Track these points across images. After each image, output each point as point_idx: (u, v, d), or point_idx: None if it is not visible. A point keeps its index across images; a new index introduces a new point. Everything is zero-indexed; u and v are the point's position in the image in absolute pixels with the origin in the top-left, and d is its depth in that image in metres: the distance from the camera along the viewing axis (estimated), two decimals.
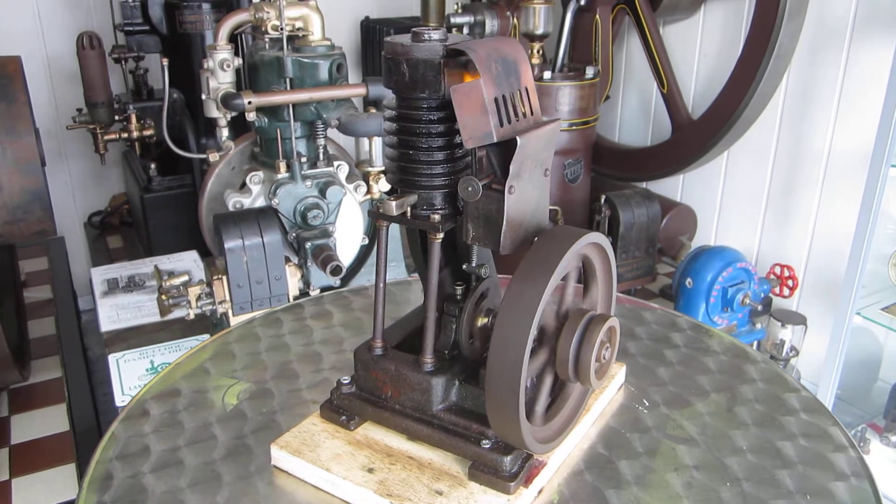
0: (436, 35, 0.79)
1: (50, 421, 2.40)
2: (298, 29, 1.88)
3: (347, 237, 2.09)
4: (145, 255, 2.49)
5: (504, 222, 0.78)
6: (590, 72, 2.59)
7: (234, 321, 1.76)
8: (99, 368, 2.20)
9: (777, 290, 2.51)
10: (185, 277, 1.79)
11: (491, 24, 2.75)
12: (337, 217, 2.03)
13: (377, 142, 1.87)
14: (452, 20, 2.75)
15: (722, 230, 2.88)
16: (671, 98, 2.80)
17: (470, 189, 0.77)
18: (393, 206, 0.82)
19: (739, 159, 2.75)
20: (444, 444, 0.85)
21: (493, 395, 0.76)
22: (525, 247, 0.81)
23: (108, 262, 2.58)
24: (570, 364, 0.79)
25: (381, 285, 0.89)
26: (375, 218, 0.85)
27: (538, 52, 2.58)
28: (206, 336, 1.86)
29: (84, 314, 2.59)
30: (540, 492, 0.83)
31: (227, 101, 1.82)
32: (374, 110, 1.95)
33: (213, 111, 1.88)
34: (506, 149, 0.77)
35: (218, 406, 1.02)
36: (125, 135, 2.61)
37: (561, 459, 0.88)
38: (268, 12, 1.82)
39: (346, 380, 0.93)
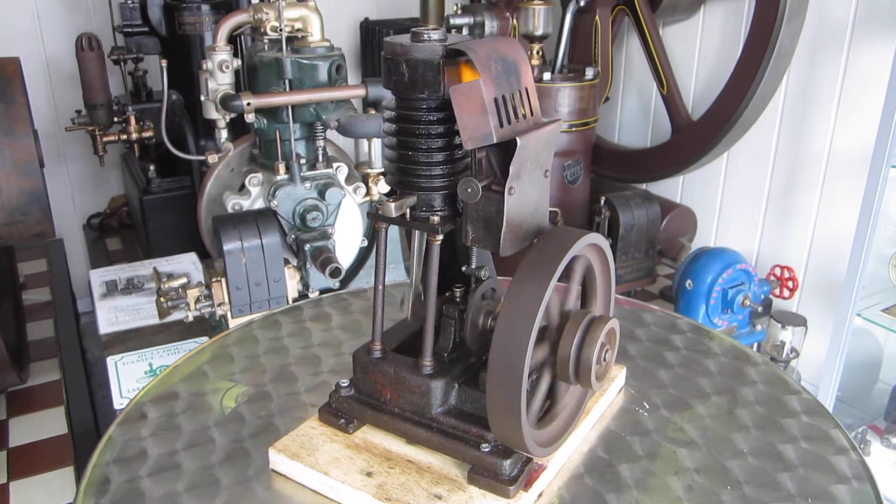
0: (435, 35, 0.78)
1: (48, 424, 2.40)
2: (297, 30, 1.88)
3: (347, 239, 2.09)
4: (144, 257, 2.48)
5: (504, 224, 0.77)
6: (589, 73, 2.59)
7: (233, 323, 1.75)
8: (98, 371, 2.20)
9: (777, 291, 2.50)
10: (184, 280, 1.79)
11: (490, 25, 2.75)
12: (336, 219, 2.02)
13: (376, 143, 1.86)
14: (452, 21, 2.75)
15: (722, 231, 2.88)
16: (671, 99, 2.80)
17: (469, 190, 0.77)
18: (392, 208, 0.81)
19: (739, 160, 2.74)
20: (443, 448, 0.84)
21: (494, 397, 0.75)
22: (525, 248, 0.81)
23: (107, 264, 2.57)
24: (570, 366, 0.78)
25: (380, 287, 0.88)
26: (374, 219, 0.84)
27: (538, 53, 2.58)
28: (205, 338, 1.86)
29: (83, 316, 2.59)
30: (540, 495, 0.83)
31: (225, 103, 1.82)
32: (373, 111, 1.95)
33: (212, 112, 1.87)
34: (505, 150, 0.76)
35: (216, 409, 1.02)
36: (124, 136, 2.61)
37: (561, 463, 0.87)
38: (267, 13, 1.82)
39: (344, 383, 0.92)
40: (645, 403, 1.00)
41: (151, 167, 2.59)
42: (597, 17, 2.74)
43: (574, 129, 2.62)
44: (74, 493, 0.87)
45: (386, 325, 0.94)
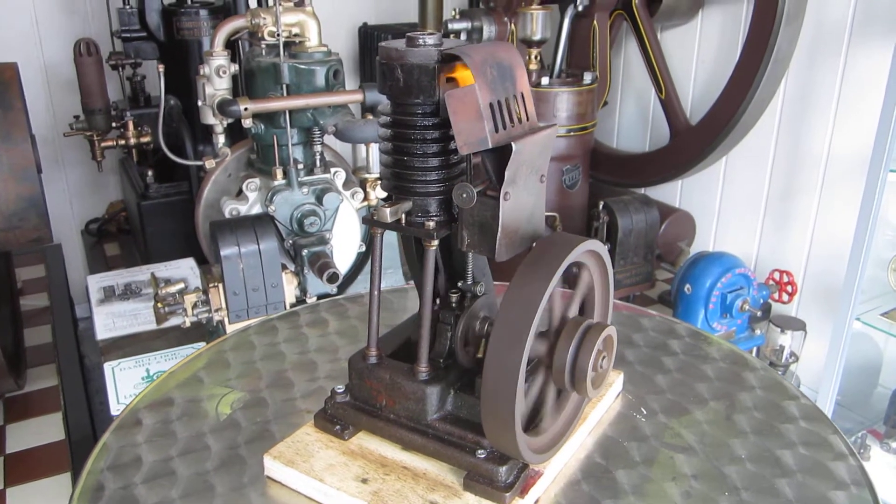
0: (430, 40, 0.78)
1: (46, 430, 2.39)
2: (295, 35, 1.88)
3: (344, 244, 2.09)
4: (142, 263, 2.48)
5: (499, 229, 0.77)
6: (587, 77, 2.59)
7: (231, 329, 1.74)
8: (96, 377, 2.19)
9: (776, 295, 2.50)
10: (181, 285, 1.78)
11: (488, 29, 2.75)
12: (334, 224, 2.02)
13: (374, 148, 1.86)
14: (450, 26, 2.75)
15: (721, 236, 2.88)
16: (669, 104, 2.80)
17: (464, 195, 0.76)
18: (387, 213, 0.81)
19: (738, 165, 2.74)
20: (438, 454, 0.83)
21: (488, 403, 0.75)
22: (521, 254, 0.80)
23: (106, 270, 2.57)
24: (566, 373, 0.78)
25: (376, 293, 0.88)
26: (370, 225, 0.84)
27: (536, 57, 2.58)
28: (203, 344, 1.85)
29: (81, 322, 2.58)
30: (536, 502, 0.82)
31: (223, 108, 1.82)
32: (371, 117, 1.95)
33: (210, 118, 1.87)
34: (501, 155, 0.76)
35: (211, 415, 1.01)
36: (122, 142, 2.61)
37: (557, 469, 0.87)
38: (264, 18, 1.82)
39: (340, 389, 0.91)
40: (642, 409, 1.00)
41: (149, 172, 2.58)
42: (595, 22, 2.75)
43: (572, 133, 2.62)
44: (69, 500, 0.86)
45: (382, 330, 0.93)
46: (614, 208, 2.53)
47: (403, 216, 0.83)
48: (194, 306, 1.75)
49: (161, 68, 1.98)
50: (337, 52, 1.97)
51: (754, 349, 2.44)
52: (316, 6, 1.98)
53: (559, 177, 2.66)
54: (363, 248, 2.18)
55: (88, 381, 2.18)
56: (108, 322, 2.04)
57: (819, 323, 2.40)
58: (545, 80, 2.54)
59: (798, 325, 2.30)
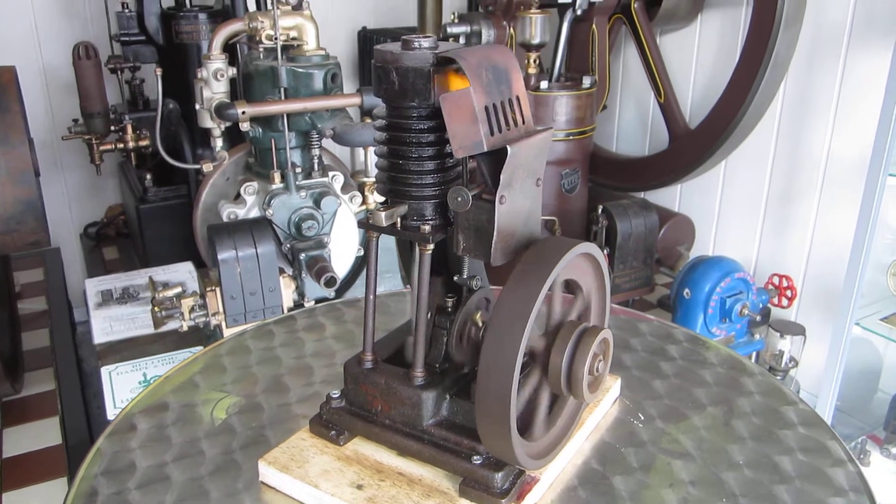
0: (426, 43, 0.78)
1: (43, 434, 2.38)
2: (293, 38, 1.88)
3: (342, 248, 2.08)
4: (141, 267, 2.48)
5: (495, 233, 0.77)
6: (586, 81, 2.59)
7: (228, 333, 1.74)
8: (94, 381, 2.19)
9: (776, 300, 2.50)
10: (179, 289, 1.78)
11: (487, 33, 2.75)
12: (332, 228, 2.01)
13: (372, 152, 1.86)
14: (449, 30, 2.75)
15: (720, 240, 2.87)
16: (668, 107, 2.80)
17: (459, 199, 0.76)
18: (382, 217, 0.81)
19: (737, 169, 2.74)
20: (434, 460, 0.83)
21: (482, 408, 0.74)
22: (517, 258, 0.80)
23: (104, 274, 2.56)
24: (562, 377, 0.77)
25: (371, 297, 0.87)
26: (365, 229, 0.83)
27: (535, 61, 2.58)
28: (200, 348, 1.85)
29: (79, 326, 2.58)
30: None
31: (220, 111, 1.81)
32: (369, 120, 1.94)
33: (207, 121, 1.87)
34: (496, 158, 0.75)
35: (206, 420, 1.01)
36: (121, 145, 2.61)
37: (554, 475, 0.86)
38: (262, 21, 1.82)
39: (335, 394, 0.91)
40: (640, 414, 0.99)
41: (148, 176, 2.58)
42: (594, 26, 2.75)
43: (571, 137, 2.62)
44: None
45: (379, 335, 0.93)
46: (613, 212, 2.53)
47: (399, 220, 0.83)
48: (191, 310, 1.75)
49: (159, 72, 1.98)
50: (335, 56, 1.97)
51: (754, 354, 2.44)
52: (315, 10, 1.98)
53: (558, 181, 2.66)
54: (361, 252, 2.17)
55: (86, 386, 2.18)
56: (106, 326, 2.03)
57: (819, 327, 2.39)
58: (544, 84, 2.54)
59: (797, 329, 2.29)
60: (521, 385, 0.77)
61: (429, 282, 0.83)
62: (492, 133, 0.75)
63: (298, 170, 1.99)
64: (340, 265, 2.09)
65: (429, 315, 0.85)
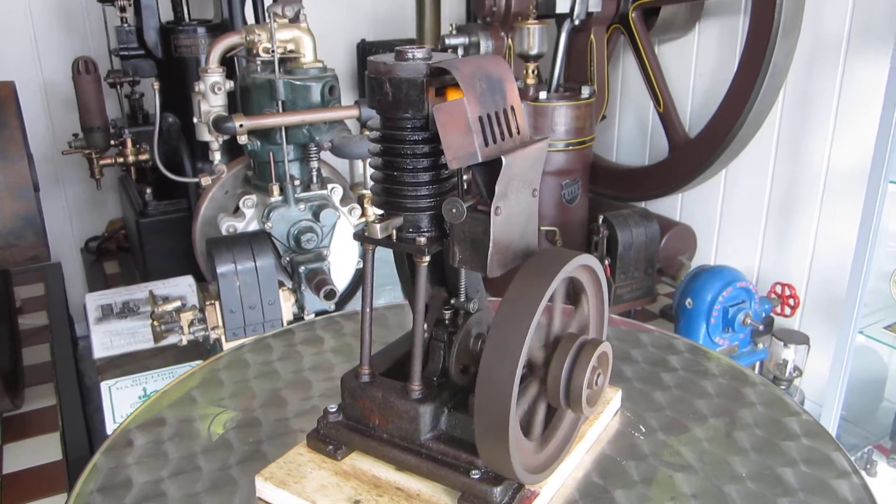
0: (419, 54, 0.77)
1: (43, 450, 2.37)
2: (290, 51, 1.88)
3: (342, 261, 2.07)
4: (142, 281, 2.47)
5: (491, 244, 0.76)
6: (585, 91, 2.59)
7: (228, 347, 1.73)
8: (95, 396, 2.17)
9: (778, 309, 2.48)
10: (178, 303, 1.77)
11: (485, 44, 2.76)
12: (331, 240, 2.01)
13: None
14: (447, 41, 2.76)
15: (722, 249, 2.86)
16: (667, 117, 2.79)
17: (454, 210, 0.75)
18: (377, 229, 0.80)
19: (738, 177, 2.73)
20: (432, 475, 0.82)
21: (481, 422, 0.73)
22: (516, 269, 0.79)
23: (105, 288, 2.55)
24: (560, 390, 0.76)
25: (368, 310, 0.87)
26: (360, 241, 0.83)
27: (533, 72, 2.58)
28: (200, 363, 1.83)
29: (81, 340, 2.57)
30: None
31: (218, 125, 1.81)
32: (367, 132, 1.94)
33: (205, 135, 1.87)
34: (491, 169, 0.75)
35: (203, 436, 1.00)
36: (121, 159, 2.61)
37: (554, 489, 0.85)
38: (259, 35, 1.82)
39: (333, 408, 0.90)
40: (641, 426, 0.98)
41: (148, 190, 2.58)
42: (592, 36, 2.75)
43: (571, 147, 2.61)
44: None
45: (377, 348, 0.92)
46: (614, 222, 2.52)
47: (394, 232, 0.82)
48: (191, 324, 1.74)
49: (156, 85, 1.98)
50: (332, 68, 1.97)
51: (757, 364, 2.42)
52: (314, 23, 1.99)
53: (558, 191, 2.65)
54: (361, 265, 2.17)
55: (88, 401, 2.17)
56: (106, 340, 2.02)
57: (822, 336, 2.38)
58: (543, 95, 2.54)
59: (801, 338, 2.27)
60: (520, 398, 0.76)
61: (425, 294, 0.82)
62: (486, 144, 0.75)
63: (297, 182, 1.99)
64: (340, 278, 2.08)
65: (426, 328, 0.84)
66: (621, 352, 1.17)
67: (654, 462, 0.91)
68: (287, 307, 1.80)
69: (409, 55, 0.77)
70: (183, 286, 2.26)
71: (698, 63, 2.84)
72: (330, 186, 2.04)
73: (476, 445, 0.76)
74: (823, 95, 2.37)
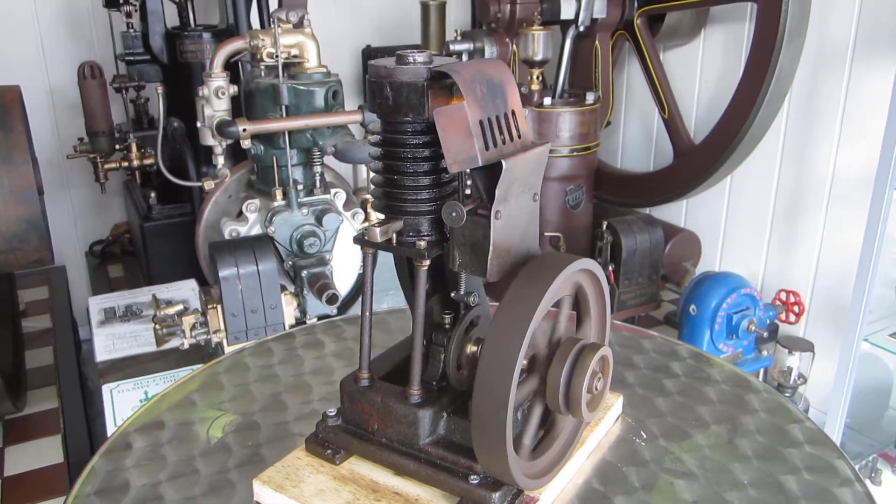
0: (420, 58, 0.77)
1: (45, 452, 2.37)
2: (294, 56, 1.88)
3: (345, 265, 2.07)
4: (146, 285, 2.47)
5: (490, 248, 0.76)
6: (590, 97, 2.59)
7: (229, 351, 1.73)
8: (97, 399, 2.18)
9: (783, 316, 2.47)
10: (180, 307, 1.77)
11: (490, 50, 2.76)
12: (334, 245, 2.01)
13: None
14: (452, 47, 2.76)
15: (726, 256, 2.85)
16: (672, 123, 2.79)
17: (454, 214, 0.75)
18: (377, 233, 0.80)
19: (743, 184, 2.73)
20: (430, 480, 0.81)
21: (479, 427, 0.73)
22: (515, 274, 0.79)
23: (109, 292, 2.56)
24: (560, 395, 0.76)
25: (367, 314, 0.86)
26: (360, 244, 0.83)
27: (538, 78, 2.58)
28: (200, 366, 1.83)
29: (84, 344, 2.57)
30: None
31: (221, 129, 1.82)
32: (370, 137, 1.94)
33: (209, 139, 1.87)
34: (491, 173, 0.75)
35: (202, 439, 0.99)
36: (126, 164, 2.61)
37: (554, 495, 0.84)
38: (263, 40, 1.82)
39: (332, 412, 0.90)
40: (642, 433, 0.97)
41: (152, 194, 2.59)
42: (597, 42, 2.75)
43: (575, 153, 2.61)
44: None
45: (378, 351, 0.92)
46: (618, 228, 2.51)
47: (394, 236, 0.82)
48: (192, 328, 1.74)
49: (160, 89, 1.99)
50: (336, 73, 1.97)
51: (761, 371, 2.41)
52: (320, 29, 1.99)
53: (563, 197, 2.65)
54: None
55: (90, 404, 2.17)
56: (108, 344, 2.03)
57: (827, 344, 2.36)
58: (547, 101, 2.54)
59: (806, 346, 2.26)
60: (519, 403, 0.75)
61: (425, 298, 0.82)
62: (486, 147, 0.74)
63: (300, 187, 1.99)
64: (343, 282, 2.08)
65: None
66: (623, 357, 1.16)
67: (655, 469, 0.90)
68: (289, 311, 1.80)
69: (410, 59, 0.77)
70: (186, 290, 2.26)
71: (703, 69, 2.83)
72: (333, 191, 2.04)
73: (474, 450, 0.75)
74: (829, 102, 2.36)
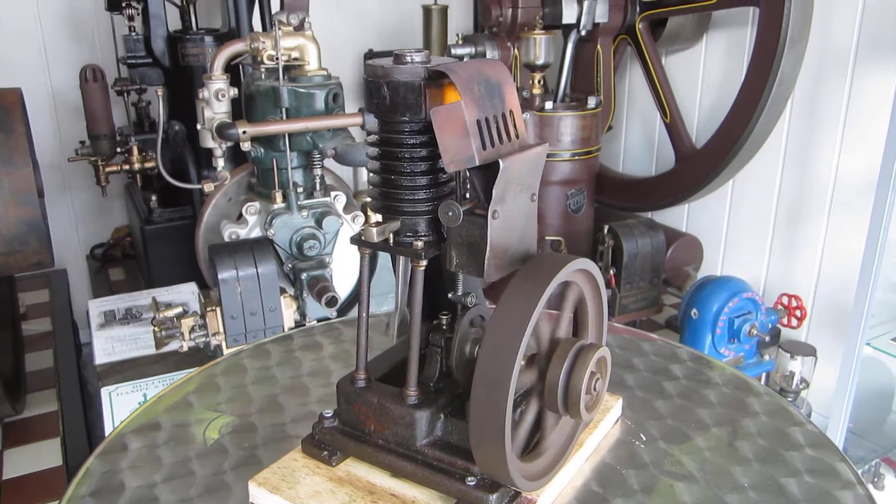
0: (417, 57, 0.77)
1: (44, 455, 2.36)
2: (294, 59, 1.88)
3: (345, 268, 2.07)
4: (146, 288, 2.47)
5: (488, 248, 0.75)
6: (592, 102, 2.58)
7: (228, 353, 1.72)
8: (97, 402, 2.17)
9: (785, 320, 2.46)
10: (179, 309, 1.77)
11: (492, 55, 2.76)
12: (334, 248, 2.00)
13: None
14: (453, 51, 2.76)
15: (728, 260, 2.84)
16: (674, 127, 2.79)
17: (450, 214, 0.74)
18: (374, 233, 0.79)
19: (745, 188, 2.72)
20: (427, 481, 0.81)
21: (476, 427, 0.72)
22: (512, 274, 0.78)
23: (109, 295, 2.56)
24: (558, 395, 0.75)
25: (364, 315, 0.86)
26: (356, 245, 0.82)
27: (539, 82, 2.58)
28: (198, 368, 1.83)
29: (85, 347, 2.57)
30: None
31: (221, 131, 1.81)
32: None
33: (209, 141, 1.87)
34: (488, 172, 0.74)
35: (198, 441, 0.99)
36: (127, 167, 2.61)
37: (552, 497, 0.84)
38: (264, 42, 1.82)
39: (328, 413, 0.89)
40: (642, 435, 0.97)
41: (153, 197, 2.59)
42: (598, 47, 2.75)
43: (577, 157, 2.61)
44: None
45: (375, 353, 0.91)
46: (619, 232, 2.51)
47: (391, 236, 0.81)
48: (191, 330, 1.74)
49: (160, 92, 1.98)
50: (336, 76, 1.97)
51: (763, 375, 2.40)
52: (322, 33, 1.99)
53: (564, 201, 2.65)
54: None
55: (90, 407, 2.16)
56: (108, 346, 2.02)
57: (829, 348, 2.35)
58: (549, 105, 2.53)
59: (808, 350, 2.25)
60: (517, 404, 0.75)
61: (421, 298, 0.81)
62: (484, 147, 0.74)
63: (300, 190, 1.99)
64: (342, 285, 2.08)
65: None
66: (623, 360, 1.16)
67: (654, 471, 0.89)
68: (288, 314, 1.80)
69: (408, 59, 0.76)
70: (186, 293, 2.25)
71: (705, 74, 2.83)
72: (333, 194, 2.04)
73: (472, 452, 0.75)
74: (831, 106, 2.35)
